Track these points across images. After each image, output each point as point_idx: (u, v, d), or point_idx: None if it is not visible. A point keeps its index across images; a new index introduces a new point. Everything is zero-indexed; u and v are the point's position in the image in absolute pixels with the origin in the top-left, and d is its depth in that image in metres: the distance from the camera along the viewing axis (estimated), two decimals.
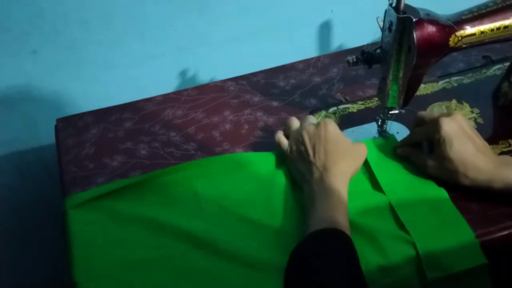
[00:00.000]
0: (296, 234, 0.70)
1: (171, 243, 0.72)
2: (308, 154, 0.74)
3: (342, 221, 0.66)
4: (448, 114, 0.74)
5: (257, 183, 0.79)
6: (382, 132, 0.84)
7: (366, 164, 0.79)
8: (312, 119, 0.80)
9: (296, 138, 0.77)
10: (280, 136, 0.82)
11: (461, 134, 0.72)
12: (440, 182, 0.75)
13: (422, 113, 0.80)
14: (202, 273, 0.68)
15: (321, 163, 0.72)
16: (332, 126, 0.75)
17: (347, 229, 0.65)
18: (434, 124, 0.73)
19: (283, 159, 0.82)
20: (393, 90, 0.76)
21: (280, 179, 0.79)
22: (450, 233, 0.70)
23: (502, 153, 0.81)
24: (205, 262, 0.69)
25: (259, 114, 0.94)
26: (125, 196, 0.78)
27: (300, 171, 0.75)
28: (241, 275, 0.68)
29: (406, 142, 0.80)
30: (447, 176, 0.73)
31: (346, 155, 0.74)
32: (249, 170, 0.81)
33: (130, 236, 0.73)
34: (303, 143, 0.75)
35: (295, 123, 0.81)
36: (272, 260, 0.68)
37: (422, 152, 0.78)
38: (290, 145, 0.79)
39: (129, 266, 0.70)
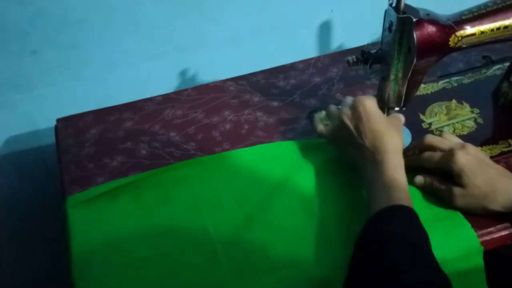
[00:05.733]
0: (295, 229, 0.71)
1: (168, 242, 0.72)
2: (354, 137, 0.73)
3: (404, 196, 0.66)
4: (462, 145, 0.73)
5: (252, 180, 0.80)
6: None
7: None
8: (348, 100, 0.77)
9: (337, 124, 0.76)
10: (321, 128, 0.82)
11: (480, 163, 0.71)
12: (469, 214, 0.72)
13: (431, 138, 0.76)
14: (200, 271, 0.69)
15: (370, 143, 0.71)
16: (368, 102, 0.73)
17: (410, 204, 0.65)
18: (448, 157, 0.72)
19: (278, 153, 0.83)
20: (393, 90, 0.76)
21: (276, 174, 0.80)
22: (443, 223, 0.71)
23: (502, 153, 0.82)
24: (202, 260, 0.70)
25: (259, 114, 0.94)
26: (122, 196, 0.79)
27: (352, 156, 0.75)
28: (238, 272, 0.68)
29: (413, 162, 0.76)
30: (476, 204, 0.70)
31: (389, 129, 0.72)
32: (244, 167, 0.82)
33: (128, 235, 0.74)
34: (345, 127, 0.74)
35: (333, 108, 0.80)
36: (269, 256, 0.69)
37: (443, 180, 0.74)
38: (333, 132, 0.78)
39: (127, 265, 0.70)
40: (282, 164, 0.82)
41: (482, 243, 0.69)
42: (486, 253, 0.68)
